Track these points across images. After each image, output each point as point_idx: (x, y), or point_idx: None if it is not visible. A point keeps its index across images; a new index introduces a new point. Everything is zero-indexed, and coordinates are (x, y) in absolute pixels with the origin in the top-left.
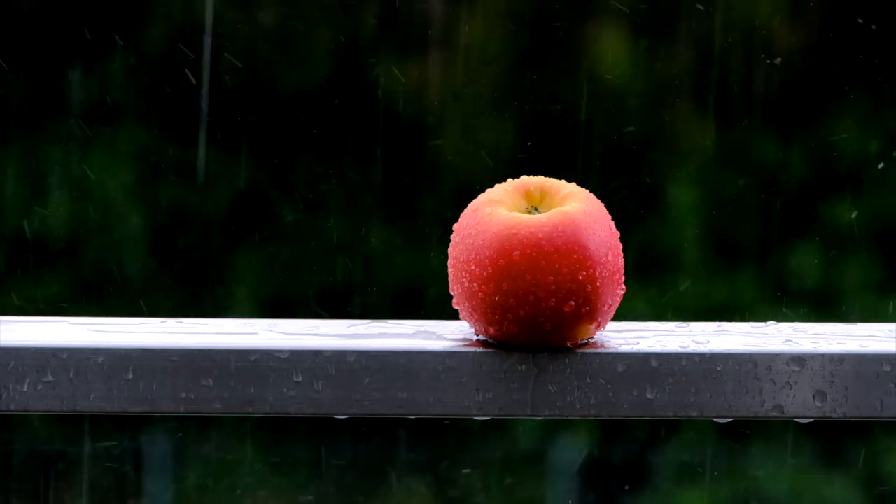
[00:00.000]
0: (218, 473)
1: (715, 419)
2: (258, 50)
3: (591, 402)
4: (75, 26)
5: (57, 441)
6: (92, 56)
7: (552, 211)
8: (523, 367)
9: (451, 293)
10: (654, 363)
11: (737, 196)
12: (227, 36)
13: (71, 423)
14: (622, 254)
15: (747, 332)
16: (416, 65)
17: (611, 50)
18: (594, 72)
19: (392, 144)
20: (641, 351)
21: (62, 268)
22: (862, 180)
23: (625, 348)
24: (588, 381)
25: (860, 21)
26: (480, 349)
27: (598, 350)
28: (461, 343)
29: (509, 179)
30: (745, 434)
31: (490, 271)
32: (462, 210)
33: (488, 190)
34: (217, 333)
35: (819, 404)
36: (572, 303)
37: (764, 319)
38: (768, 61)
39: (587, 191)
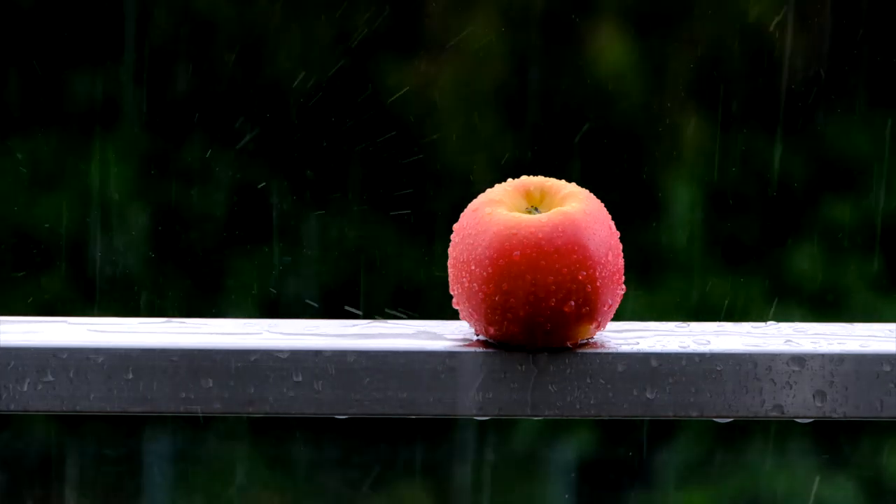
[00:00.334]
0: (218, 473)
1: (715, 419)
2: (258, 50)
3: (591, 402)
4: (75, 26)
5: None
6: (92, 56)
7: (552, 211)
8: (523, 367)
9: (451, 293)
10: (654, 363)
11: (737, 196)
12: (227, 36)
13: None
14: (622, 254)
15: (747, 332)
16: (416, 64)
17: (611, 49)
18: (594, 71)
19: (392, 144)
20: (641, 351)
21: (62, 268)
22: (862, 180)
23: (625, 348)
24: (588, 381)
25: (860, 20)
26: (480, 349)
27: (598, 350)
28: (461, 343)
29: (509, 179)
30: (745, 434)
31: (490, 271)
32: (462, 210)
33: (488, 190)
34: (217, 333)
35: (819, 404)
36: (572, 303)
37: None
38: (768, 61)
39: (587, 191)
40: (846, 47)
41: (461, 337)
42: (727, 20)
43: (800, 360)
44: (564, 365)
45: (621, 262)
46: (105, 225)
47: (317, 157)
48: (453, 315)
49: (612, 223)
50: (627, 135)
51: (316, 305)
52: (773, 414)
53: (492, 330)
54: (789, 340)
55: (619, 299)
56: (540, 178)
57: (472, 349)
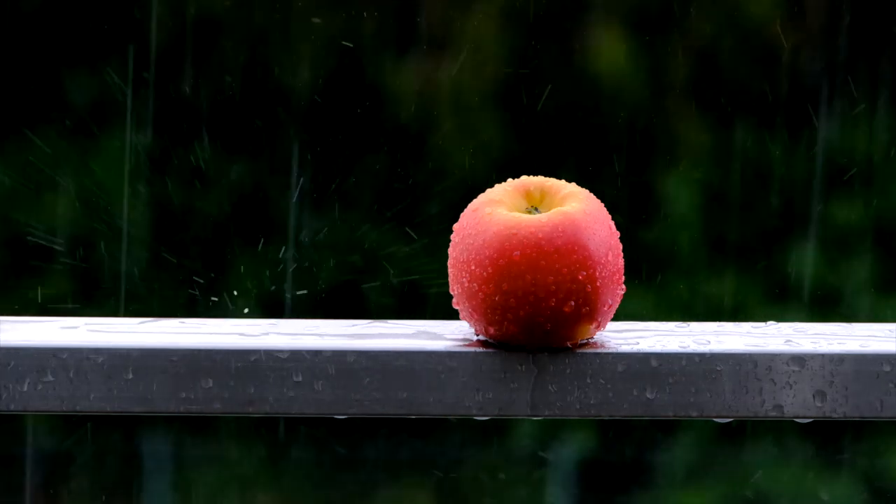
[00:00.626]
0: (218, 473)
1: (715, 419)
2: (258, 49)
3: (591, 402)
4: (75, 26)
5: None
6: (92, 55)
7: (552, 211)
8: (523, 367)
9: (451, 293)
10: (654, 363)
11: (736, 196)
12: (227, 35)
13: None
14: (622, 254)
15: (747, 332)
16: (415, 64)
17: (611, 49)
18: (594, 71)
19: (392, 144)
20: (641, 351)
21: (62, 268)
22: (862, 180)
23: (625, 348)
24: (588, 381)
25: (860, 19)
26: (480, 349)
27: (598, 350)
28: (461, 343)
29: (509, 179)
30: (745, 434)
31: (490, 271)
32: (462, 210)
33: (488, 190)
34: (217, 333)
35: (819, 404)
36: (572, 303)
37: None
38: (768, 60)
39: (587, 191)
40: (846, 47)
41: (461, 337)
42: (727, 20)
43: (800, 360)
44: (564, 365)
45: (621, 262)
46: (105, 225)
47: (317, 157)
48: (453, 315)
49: (612, 223)
50: (627, 134)
51: (316, 306)
52: (773, 414)
53: (492, 330)
54: (789, 340)
55: (619, 299)
56: (540, 178)
57: (472, 349)
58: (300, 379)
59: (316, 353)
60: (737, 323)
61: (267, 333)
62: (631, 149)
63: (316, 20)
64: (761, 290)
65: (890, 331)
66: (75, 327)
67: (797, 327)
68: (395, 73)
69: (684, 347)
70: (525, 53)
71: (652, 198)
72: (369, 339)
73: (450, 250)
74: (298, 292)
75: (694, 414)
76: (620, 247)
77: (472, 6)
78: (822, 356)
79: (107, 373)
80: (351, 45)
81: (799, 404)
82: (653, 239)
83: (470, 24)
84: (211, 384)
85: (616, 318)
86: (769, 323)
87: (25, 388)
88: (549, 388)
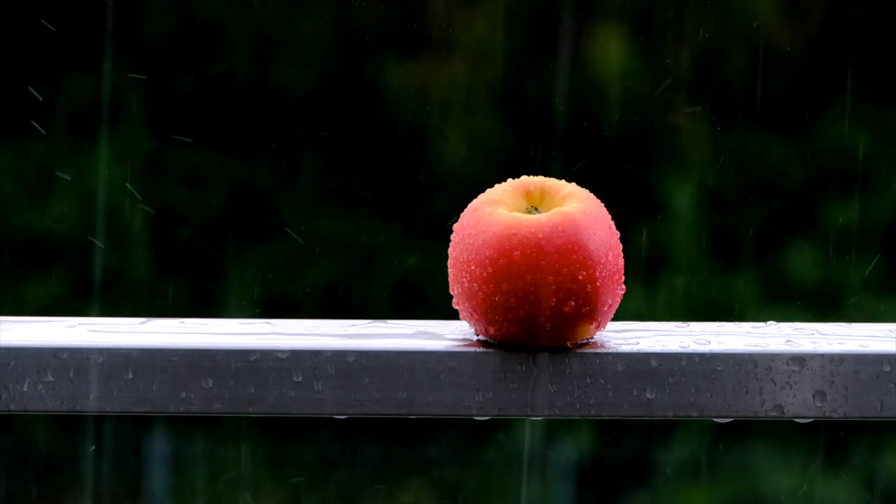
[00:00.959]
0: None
1: (715, 419)
2: (258, 49)
3: (591, 402)
4: (75, 26)
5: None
6: (91, 56)
7: (552, 211)
8: (523, 367)
9: (451, 293)
10: (654, 363)
11: (736, 196)
12: (228, 35)
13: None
14: (622, 254)
15: (747, 332)
16: (415, 64)
17: (611, 49)
18: (594, 71)
19: (392, 144)
20: (641, 351)
21: (62, 268)
22: (862, 180)
23: (625, 348)
24: (588, 381)
25: (860, 20)
26: (480, 349)
27: (598, 350)
28: (461, 343)
29: (509, 179)
30: (745, 434)
31: (490, 271)
32: (462, 210)
33: (488, 190)
34: (217, 333)
35: (819, 404)
36: (572, 303)
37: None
38: (768, 61)
39: (587, 191)
40: (846, 47)
41: (461, 337)
42: (727, 20)
43: (800, 360)
44: (564, 365)
45: (621, 262)
46: (105, 225)
47: (317, 157)
48: (453, 315)
49: (612, 223)
50: (627, 134)
51: (315, 305)
52: (773, 414)
53: (492, 330)
54: (789, 340)
55: (619, 299)
56: (540, 178)
57: (472, 349)
58: (300, 379)
59: (316, 353)
60: (737, 323)
61: (267, 333)
62: (631, 149)
63: (317, 19)
64: (761, 290)
65: (890, 331)
66: (75, 327)
67: (797, 327)
68: (396, 72)
69: (684, 347)
70: (525, 53)
71: (652, 198)
72: (369, 339)
73: (450, 250)
74: (298, 292)
75: (694, 414)
76: (620, 247)
77: (472, 6)
78: (822, 356)
79: (107, 373)
80: (352, 45)
81: (799, 404)
82: (652, 239)
83: (470, 24)
84: (211, 384)
85: (616, 318)
86: (769, 323)
87: (25, 388)
88: (549, 388)
